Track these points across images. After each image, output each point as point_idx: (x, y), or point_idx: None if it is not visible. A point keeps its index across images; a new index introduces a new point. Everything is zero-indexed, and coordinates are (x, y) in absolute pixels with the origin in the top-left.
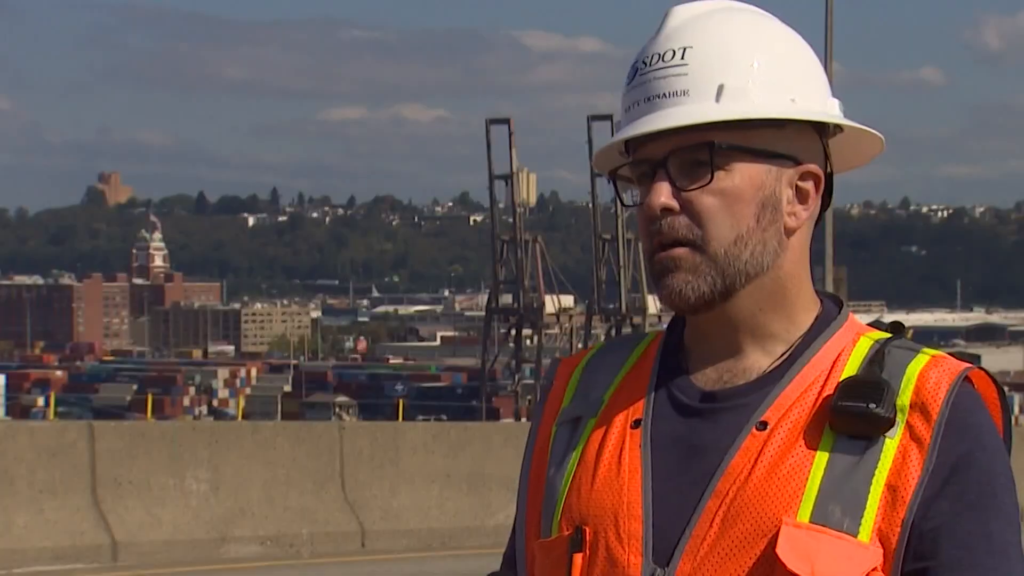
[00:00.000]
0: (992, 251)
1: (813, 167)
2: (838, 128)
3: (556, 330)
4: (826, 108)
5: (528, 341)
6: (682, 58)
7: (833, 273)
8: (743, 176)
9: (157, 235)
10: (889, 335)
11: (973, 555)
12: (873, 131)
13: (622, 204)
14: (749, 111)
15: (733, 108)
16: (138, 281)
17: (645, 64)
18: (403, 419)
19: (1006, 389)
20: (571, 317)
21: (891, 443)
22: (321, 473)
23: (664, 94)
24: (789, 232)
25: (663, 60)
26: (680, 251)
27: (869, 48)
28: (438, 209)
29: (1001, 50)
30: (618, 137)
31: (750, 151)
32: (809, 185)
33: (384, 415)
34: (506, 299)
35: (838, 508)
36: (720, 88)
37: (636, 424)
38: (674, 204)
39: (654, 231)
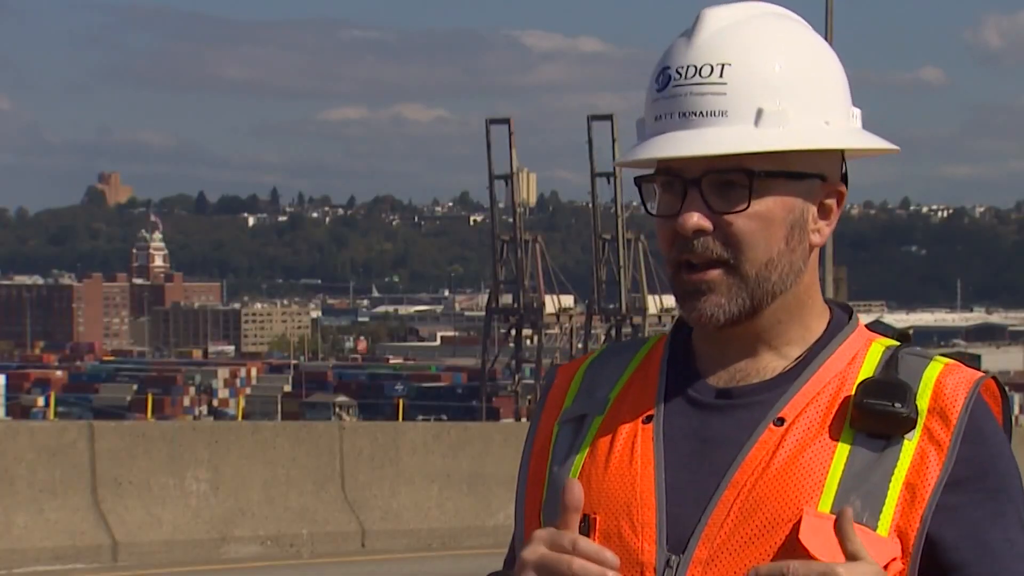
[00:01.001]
0: (992, 251)
1: (838, 185)
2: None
3: (556, 330)
4: (851, 123)
5: (528, 341)
6: (720, 75)
7: (833, 273)
8: (776, 199)
9: (157, 235)
10: (899, 343)
11: (1000, 562)
12: (888, 146)
13: (647, 212)
14: (789, 141)
15: (773, 135)
16: (138, 281)
17: (680, 74)
18: (403, 419)
19: (1006, 389)
20: (571, 317)
21: (909, 444)
22: (321, 473)
23: (701, 112)
24: (813, 249)
25: (700, 75)
26: (714, 274)
27: (869, 48)
28: (438, 209)
29: (1001, 49)
30: (656, 155)
31: (785, 175)
32: (832, 202)
33: (384, 415)
34: (506, 299)
35: (858, 501)
36: (759, 112)
37: (648, 420)
38: (708, 226)
39: (684, 248)
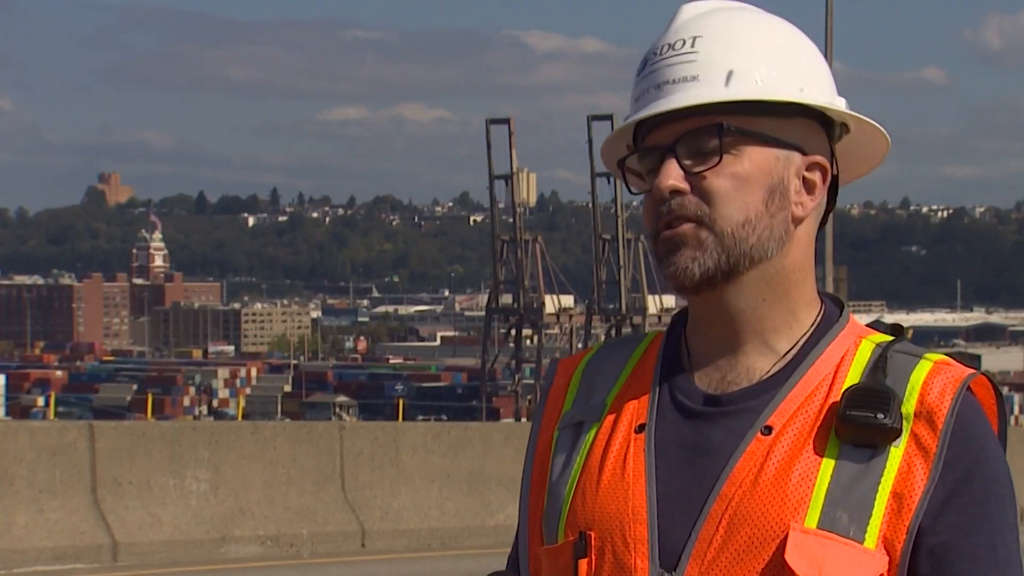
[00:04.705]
0: (992, 251)
1: (820, 158)
2: (844, 131)
3: (556, 330)
4: (834, 103)
5: (528, 341)
6: (692, 46)
7: (833, 273)
8: (752, 160)
9: (157, 235)
10: (890, 338)
11: (981, 568)
12: (878, 126)
13: (629, 192)
14: (758, 93)
15: (742, 90)
16: (138, 281)
17: (656, 54)
18: (403, 419)
19: (1006, 389)
20: (571, 317)
21: (896, 452)
22: (321, 473)
23: (674, 80)
24: (796, 221)
25: (673, 49)
26: (687, 227)
27: (870, 48)
28: (438, 209)
29: (1003, 50)
30: (628, 120)
31: (758, 136)
32: (816, 176)
33: (384, 415)
34: (506, 299)
35: (845, 515)
36: (730, 73)
37: (640, 429)
38: (684, 186)
39: (662, 212)
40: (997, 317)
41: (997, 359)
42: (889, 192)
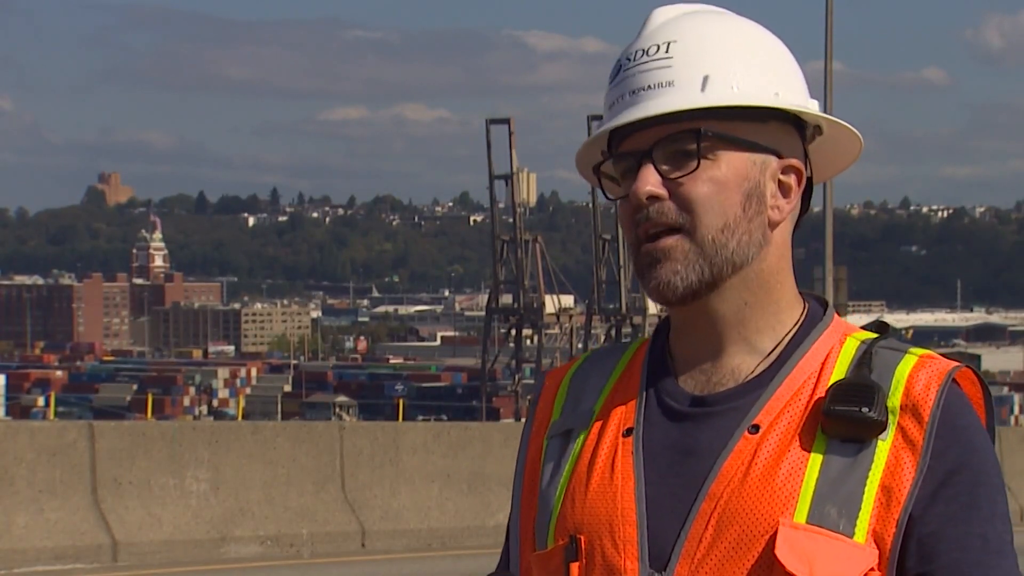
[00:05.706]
0: (992, 251)
1: (795, 162)
2: (817, 132)
3: (556, 330)
4: (808, 106)
5: (528, 341)
6: (667, 51)
7: (833, 273)
8: (729, 165)
9: (157, 235)
10: (876, 335)
11: (971, 557)
12: (852, 128)
13: (606, 197)
14: (735, 99)
15: (719, 95)
16: (138, 281)
17: (629, 60)
18: (403, 419)
19: (1006, 389)
20: (571, 317)
21: (883, 445)
22: (321, 473)
23: (649, 86)
24: (773, 225)
25: (647, 55)
26: (670, 240)
27: (870, 48)
28: (438, 209)
29: (1003, 50)
30: (603, 128)
31: (735, 141)
32: (791, 180)
33: (384, 415)
34: (506, 299)
35: (834, 509)
36: (705, 78)
37: (628, 432)
38: (662, 192)
39: (640, 219)
40: (997, 317)
41: (997, 359)
42: (889, 192)
